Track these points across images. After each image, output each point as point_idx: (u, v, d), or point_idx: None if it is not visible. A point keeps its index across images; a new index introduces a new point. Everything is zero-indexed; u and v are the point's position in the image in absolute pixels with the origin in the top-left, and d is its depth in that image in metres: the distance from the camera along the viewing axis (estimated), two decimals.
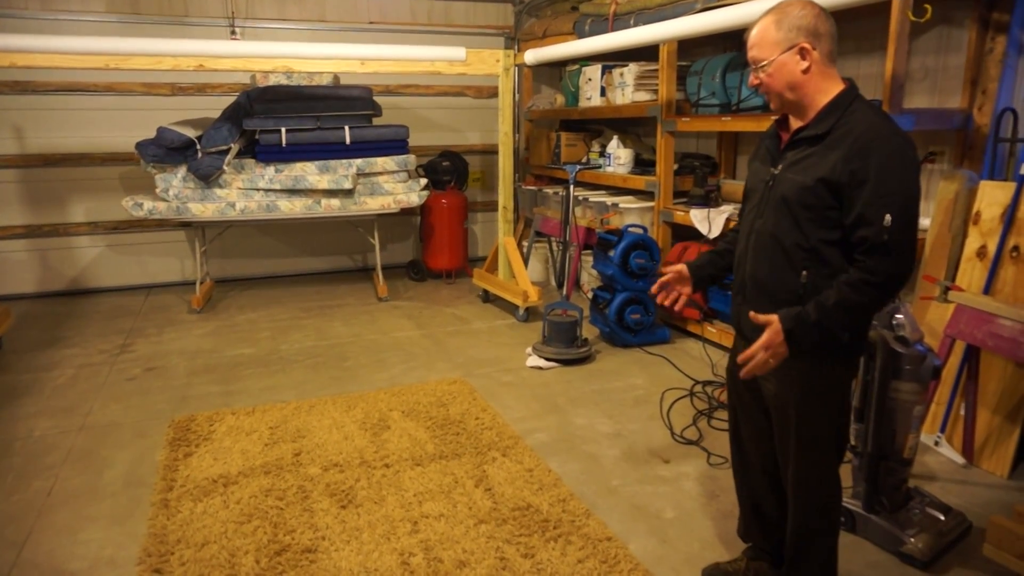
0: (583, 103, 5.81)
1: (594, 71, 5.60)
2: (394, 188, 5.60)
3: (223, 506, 2.62)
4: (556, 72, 6.87)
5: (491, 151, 6.63)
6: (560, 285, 4.43)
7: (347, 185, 5.32)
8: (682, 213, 4.53)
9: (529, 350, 4.30)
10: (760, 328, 1.78)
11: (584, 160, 5.75)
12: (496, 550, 2.34)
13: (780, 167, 1.85)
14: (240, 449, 3.09)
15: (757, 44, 1.81)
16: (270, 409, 3.52)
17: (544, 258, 6.16)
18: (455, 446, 3.09)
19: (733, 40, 4.85)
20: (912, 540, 2.29)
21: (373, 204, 5.51)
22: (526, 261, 5.72)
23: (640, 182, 4.95)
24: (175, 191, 5.18)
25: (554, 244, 5.96)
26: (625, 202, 5.02)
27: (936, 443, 3.05)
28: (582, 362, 4.17)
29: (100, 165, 5.93)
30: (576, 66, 5.92)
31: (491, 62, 4.92)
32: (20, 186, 5.81)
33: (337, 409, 3.50)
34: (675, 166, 4.88)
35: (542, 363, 4.10)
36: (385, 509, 2.59)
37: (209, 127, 5.14)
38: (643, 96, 5.06)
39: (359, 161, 5.45)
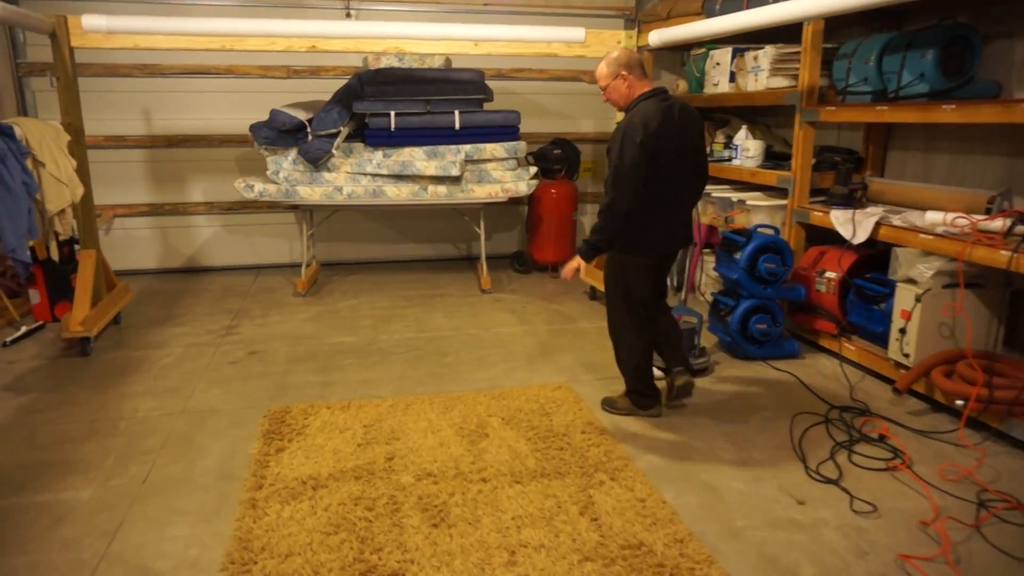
0: (709, 89, 5.36)
1: (723, 54, 5.13)
2: (502, 176, 5.38)
3: (311, 512, 2.47)
4: (678, 57, 6.41)
5: (605, 140, 6.27)
6: (678, 288, 4.05)
7: (455, 172, 5.13)
8: (820, 214, 4.03)
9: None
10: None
11: (708, 152, 5.30)
12: None
13: None
14: (332, 448, 2.94)
15: (599, 77, 3.02)
16: (365, 405, 3.37)
17: None
18: (558, 463, 2.81)
19: (891, 18, 4.26)
20: None
21: (480, 192, 5.30)
22: None
23: (771, 177, 4.48)
24: (285, 174, 5.17)
25: None
26: (753, 199, 4.56)
27: None
28: (699, 374, 3.79)
29: (218, 147, 6.04)
30: (703, 50, 5.46)
31: (611, 43, 4.57)
32: (146, 166, 6.01)
33: (434, 410, 3.31)
34: (812, 160, 4.36)
35: (655, 373, 3.74)
36: (480, 532, 2.35)
37: (320, 110, 5.09)
38: (780, 82, 4.56)
39: (468, 147, 5.26)
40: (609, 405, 3.34)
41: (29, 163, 3.55)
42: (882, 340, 3.66)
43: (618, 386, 3.48)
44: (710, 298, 4.31)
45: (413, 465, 2.80)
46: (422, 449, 2.93)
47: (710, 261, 4.89)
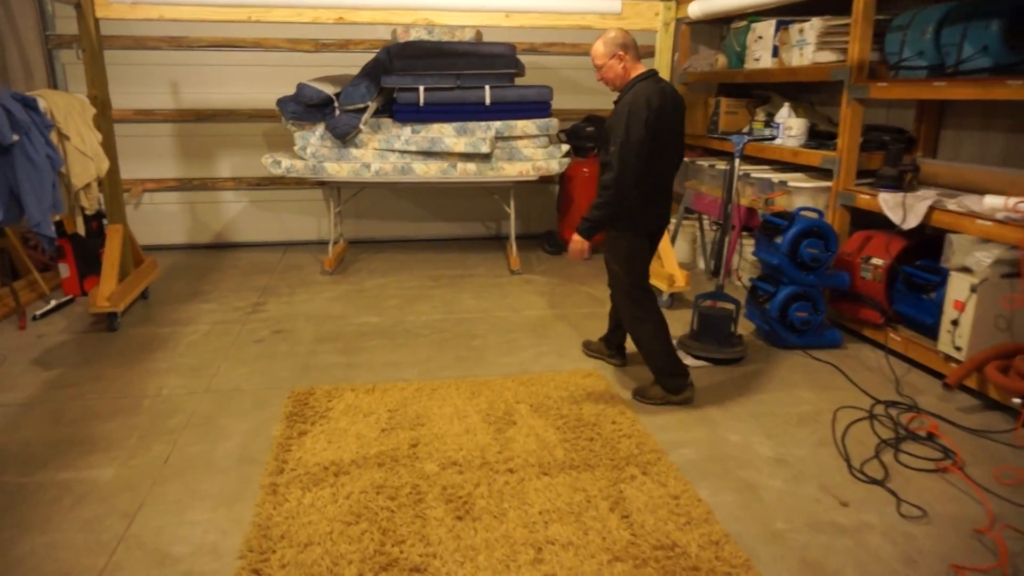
0: (750, 65, 5.13)
1: (766, 27, 4.90)
2: (534, 154, 5.23)
3: (332, 500, 2.40)
4: (716, 30, 6.17)
5: None
6: (714, 273, 3.89)
7: (484, 149, 5.00)
8: (867, 197, 3.83)
9: (675, 343, 3.82)
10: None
11: (747, 130, 5.09)
12: None
13: None
14: (356, 432, 2.87)
15: (594, 56, 3.03)
16: (391, 388, 3.29)
17: (692, 238, 5.58)
18: (588, 455, 2.71)
19: None
20: None
21: (511, 170, 5.17)
22: (673, 240, 5.19)
23: (815, 157, 4.27)
24: (312, 149, 5.09)
25: (705, 223, 5.37)
26: (795, 180, 4.36)
27: None
28: (735, 363, 3.65)
29: (246, 121, 5.98)
30: (744, 22, 5.23)
31: (649, 15, 4.37)
32: (174, 140, 5.97)
33: (461, 395, 3.22)
34: (859, 140, 4.15)
35: (690, 361, 3.61)
36: (506, 527, 2.26)
37: (348, 84, 4.98)
38: (827, 56, 4.33)
39: (498, 124, 5.12)
40: (641, 395, 3.24)
41: (54, 137, 3.50)
42: (931, 332, 3.48)
43: (649, 373, 3.35)
44: (748, 284, 4.14)
45: (438, 453, 2.72)
46: (447, 436, 2.85)
47: (748, 245, 4.71)
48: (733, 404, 3.21)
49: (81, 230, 3.94)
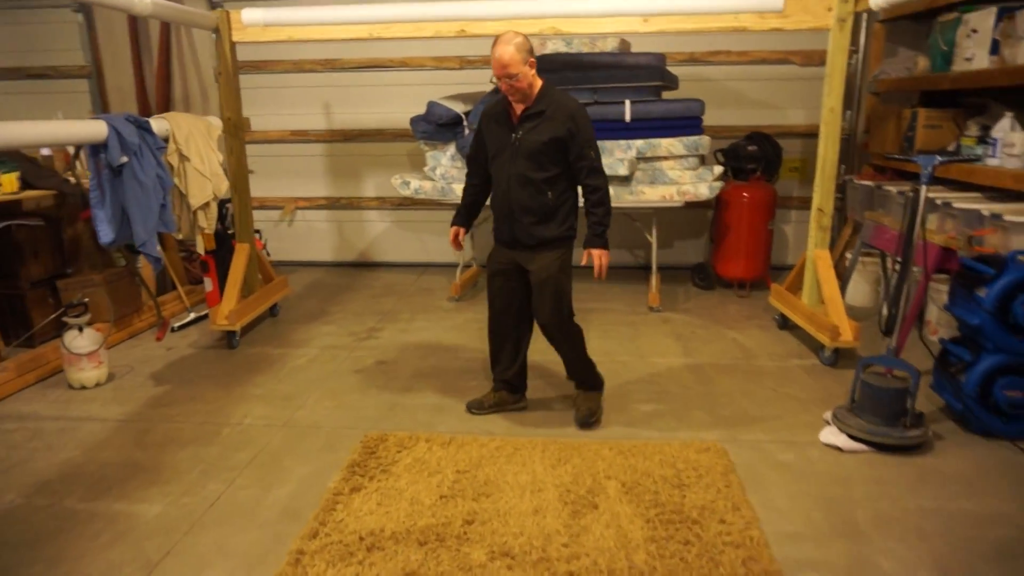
0: (959, 66, 4.12)
1: (983, 18, 3.90)
2: (680, 176, 4.61)
3: None
4: (921, 29, 5.11)
5: (817, 133, 5.21)
6: (889, 330, 3.05)
7: (622, 171, 4.48)
8: None
9: (828, 416, 3.05)
10: (533, 236, 2.95)
11: (952, 148, 4.09)
12: None
13: (520, 132, 2.87)
14: (411, 496, 2.50)
15: (509, 64, 2.74)
16: (468, 443, 2.89)
17: (875, 279, 4.62)
18: (676, 565, 2.10)
19: None
20: None
21: (652, 195, 4.60)
22: (846, 281, 4.31)
23: None
24: (442, 170, 4.88)
25: (890, 262, 4.40)
26: (1015, 213, 3.36)
27: None
28: (909, 451, 2.80)
29: (391, 141, 5.96)
30: (954, 14, 4.23)
31: (819, 11, 3.62)
32: (325, 159, 6.10)
33: (543, 461, 2.74)
34: None
35: (843, 442, 2.83)
36: None
37: (478, 102, 4.71)
38: None
39: (639, 143, 4.57)
40: (591, 416, 3.10)
41: (175, 158, 3.55)
42: None
43: (787, 453, 2.65)
44: (938, 344, 3.23)
45: (493, 535, 2.26)
46: (511, 514, 2.38)
47: (940, 291, 3.74)
48: (895, 512, 2.41)
49: (201, 249, 4.00)
